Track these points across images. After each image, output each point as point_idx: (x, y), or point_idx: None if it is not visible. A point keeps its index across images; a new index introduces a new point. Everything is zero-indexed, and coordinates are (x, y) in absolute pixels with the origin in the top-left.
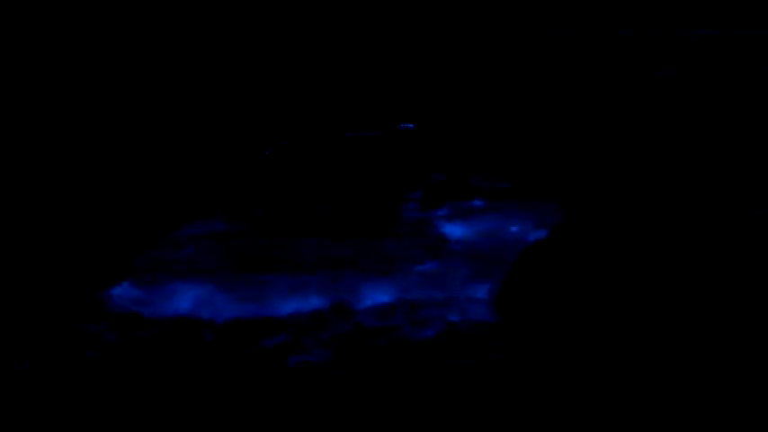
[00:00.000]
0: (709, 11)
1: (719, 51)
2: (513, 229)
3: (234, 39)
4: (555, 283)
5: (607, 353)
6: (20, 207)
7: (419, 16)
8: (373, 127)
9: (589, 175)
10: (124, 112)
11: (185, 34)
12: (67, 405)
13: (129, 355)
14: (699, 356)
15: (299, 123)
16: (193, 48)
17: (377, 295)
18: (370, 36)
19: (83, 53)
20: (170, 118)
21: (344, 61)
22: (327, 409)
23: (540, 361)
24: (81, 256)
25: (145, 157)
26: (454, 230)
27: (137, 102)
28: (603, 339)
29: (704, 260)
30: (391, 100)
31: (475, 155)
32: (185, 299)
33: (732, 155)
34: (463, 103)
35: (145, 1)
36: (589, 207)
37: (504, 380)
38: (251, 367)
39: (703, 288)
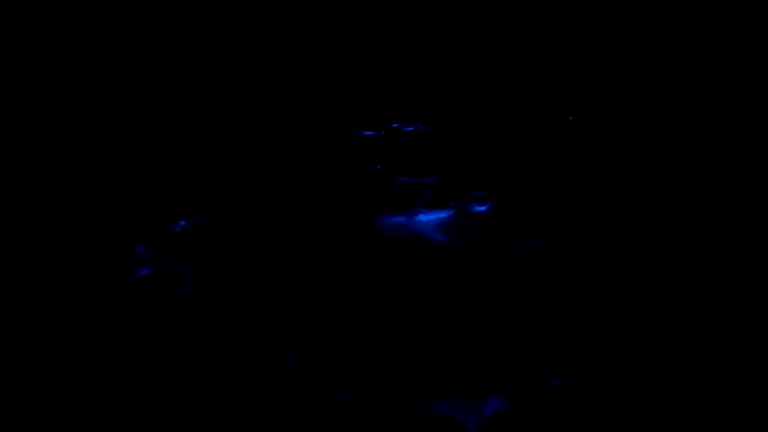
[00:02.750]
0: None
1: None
2: (513, 229)
3: (230, 39)
4: (557, 282)
5: (610, 351)
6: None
7: (419, 17)
8: (374, 127)
9: (589, 176)
10: (116, 113)
11: (180, 35)
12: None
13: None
14: (698, 354)
15: (294, 123)
16: (188, 48)
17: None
18: (371, 36)
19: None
20: (164, 118)
21: (343, 62)
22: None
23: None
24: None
25: (136, 157)
26: (453, 232)
27: (129, 102)
28: (605, 338)
29: (703, 258)
30: (393, 100)
31: (473, 155)
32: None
33: (732, 156)
34: (463, 104)
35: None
36: (589, 208)
37: (506, 381)
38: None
39: (703, 285)
